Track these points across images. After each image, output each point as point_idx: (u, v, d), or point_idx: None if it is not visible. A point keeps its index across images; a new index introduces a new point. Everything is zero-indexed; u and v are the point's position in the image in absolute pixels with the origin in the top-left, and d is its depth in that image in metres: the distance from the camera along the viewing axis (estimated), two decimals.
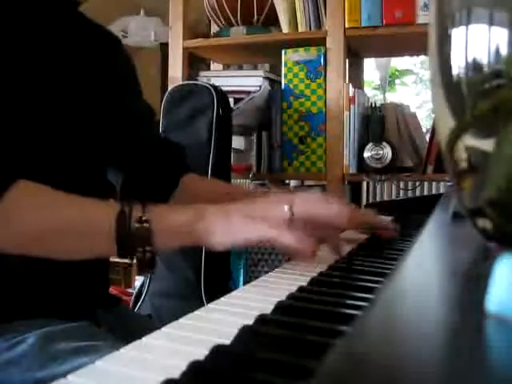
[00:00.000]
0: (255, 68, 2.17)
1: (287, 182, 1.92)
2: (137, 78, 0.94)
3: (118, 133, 0.85)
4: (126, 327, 0.78)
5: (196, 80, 1.71)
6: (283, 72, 1.71)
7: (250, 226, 0.58)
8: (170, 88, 1.64)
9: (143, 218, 0.58)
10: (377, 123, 1.63)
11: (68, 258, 0.64)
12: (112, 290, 1.55)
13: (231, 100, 1.64)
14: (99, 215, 0.61)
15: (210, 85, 1.57)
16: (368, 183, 1.84)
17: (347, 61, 1.71)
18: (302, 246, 0.57)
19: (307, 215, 0.62)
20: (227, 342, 0.34)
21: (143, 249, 0.58)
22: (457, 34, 0.31)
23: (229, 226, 0.59)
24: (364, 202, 1.85)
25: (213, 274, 1.49)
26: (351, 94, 1.62)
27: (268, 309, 0.41)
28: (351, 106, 1.62)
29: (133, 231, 0.58)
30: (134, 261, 0.59)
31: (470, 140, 0.31)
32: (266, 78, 1.73)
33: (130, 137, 0.88)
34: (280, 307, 0.41)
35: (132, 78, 0.93)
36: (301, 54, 1.69)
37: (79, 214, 0.61)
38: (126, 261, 0.59)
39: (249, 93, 1.70)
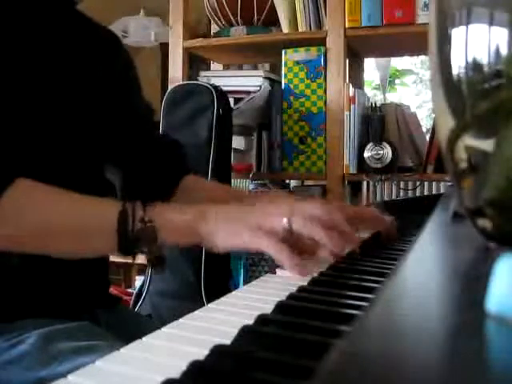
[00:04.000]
0: (255, 68, 2.17)
1: (287, 181, 1.92)
2: (137, 76, 0.94)
3: (116, 131, 0.85)
4: (126, 327, 0.78)
5: (196, 80, 1.71)
6: (283, 72, 1.71)
7: (247, 234, 0.58)
8: (170, 88, 1.64)
9: (146, 219, 0.59)
10: (377, 123, 1.62)
11: (68, 256, 0.64)
12: (112, 289, 1.54)
13: (231, 100, 1.64)
14: (100, 214, 0.61)
15: (210, 85, 1.57)
16: (368, 183, 1.84)
17: (347, 61, 1.71)
18: (288, 261, 0.55)
19: (306, 231, 0.59)
20: (227, 342, 0.34)
21: (147, 248, 0.59)
22: (457, 34, 0.31)
23: (229, 231, 0.59)
24: (364, 202, 1.85)
25: (213, 274, 1.49)
26: (351, 94, 1.62)
27: (268, 309, 0.41)
28: (351, 106, 1.62)
29: (137, 231, 0.58)
30: (140, 260, 0.59)
31: (470, 140, 0.31)
32: (266, 77, 1.72)
33: (128, 135, 0.88)
34: (280, 307, 0.41)
35: (131, 77, 0.93)
36: (301, 54, 1.69)
37: (79, 213, 0.61)
38: (127, 261, 0.59)
39: (249, 93, 1.70)
